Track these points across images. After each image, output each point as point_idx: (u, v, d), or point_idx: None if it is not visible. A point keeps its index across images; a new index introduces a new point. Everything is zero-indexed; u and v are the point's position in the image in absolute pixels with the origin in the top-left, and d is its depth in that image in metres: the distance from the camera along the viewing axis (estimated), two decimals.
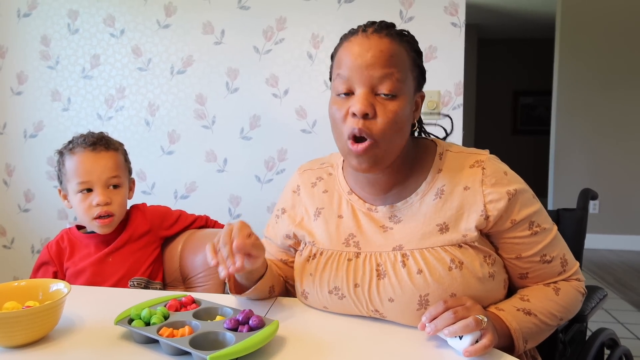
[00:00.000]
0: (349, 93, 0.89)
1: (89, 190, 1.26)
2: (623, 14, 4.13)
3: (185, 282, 1.40)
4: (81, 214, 1.27)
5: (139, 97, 2.38)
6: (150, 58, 2.35)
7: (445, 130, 1.09)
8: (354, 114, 0.87)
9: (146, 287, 1.29)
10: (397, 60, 0.88)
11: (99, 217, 1.25)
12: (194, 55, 2.32)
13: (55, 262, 1.30)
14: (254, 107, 2.32)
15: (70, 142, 1.30)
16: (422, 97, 0.97)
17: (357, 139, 0.88)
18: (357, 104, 0.86)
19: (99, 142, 1.28)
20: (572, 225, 1.25)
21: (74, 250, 1.31)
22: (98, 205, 1.25)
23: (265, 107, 2.31)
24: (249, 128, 2.33)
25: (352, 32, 0.92)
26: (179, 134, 2.37)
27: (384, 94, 0.87)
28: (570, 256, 0.99)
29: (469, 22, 2.17)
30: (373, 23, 0.92)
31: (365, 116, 0.86)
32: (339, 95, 0.91)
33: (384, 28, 0.91)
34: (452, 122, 1.12)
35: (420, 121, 1.03)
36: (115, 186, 1.29)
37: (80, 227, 1.35)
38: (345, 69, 0.89)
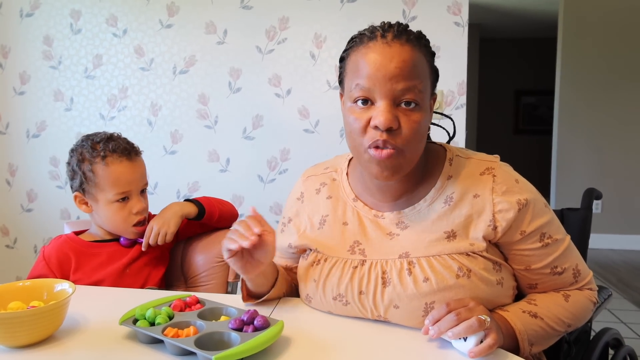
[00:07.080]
0: (367, 101, 0.85)
1: (124, 199, 1.24)
2: (626, 13, 4.11)
3: (187, 281, 1.40)
4: (118, 222, 1.25)
5: (141, 97, 2.38)
6: (152, 58, 2.35)
7: (448, 134, 1.06)
8: (376, 127, 0.83)
9: None
10: (419, 70, 0.85)
11: (138, 223, 1.26)
12: (196, 55, 2.32)
13: (57, 274, 1.23)
14: (256, 106, 2.31)
15: (92, 148, 1.22)
16: (435, 99, 0.94)
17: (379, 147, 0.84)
18: (380, 117, 0.82)
19: (132, 150, 1.26)
20: (577, 225, 1.24)
21: (83, 261, 1.25)
22: (138, 213, 1.25)
23: (267, 106, 2.31)
24: (251, 128, 2.33)
25: (370, 37, 0.86)
26: (182, 134, 2.37)
27: (406, 104, 0.83)
28: (583, 266, 0.97)
29: (471, 22, 2.16)
30: (391, 26, 0.87)
31: (389, 129, 0.83)
32: (355, 102, 0.86)
33: (403, 33, 0.86)
34: (454, 125, 1.07)
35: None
36: (143, 190, 1.30)
37: (77, 233, 1.31)
38: (364, 78, 0.84)
